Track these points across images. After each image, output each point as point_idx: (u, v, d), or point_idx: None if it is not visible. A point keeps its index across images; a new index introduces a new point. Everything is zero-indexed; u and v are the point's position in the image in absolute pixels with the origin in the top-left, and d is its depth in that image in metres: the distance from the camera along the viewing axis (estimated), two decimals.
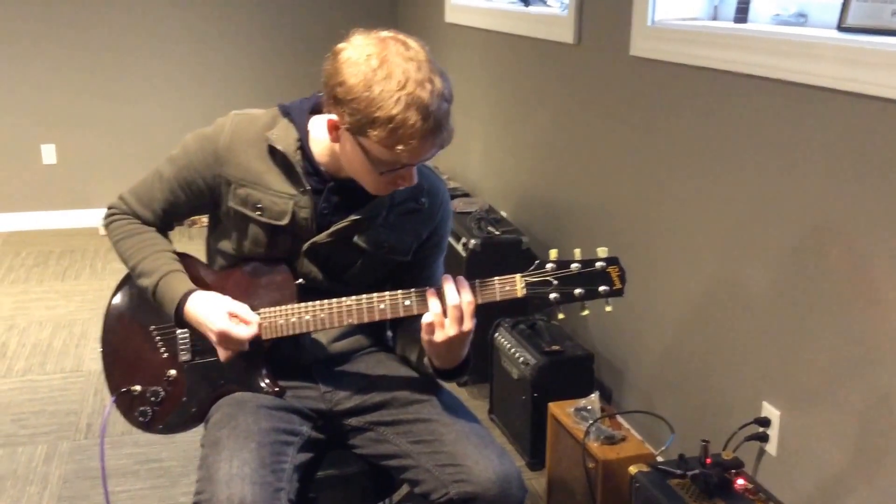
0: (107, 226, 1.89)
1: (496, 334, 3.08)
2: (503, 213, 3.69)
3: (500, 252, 3.32)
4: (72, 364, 3.57)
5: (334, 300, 1.70)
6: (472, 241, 3.28)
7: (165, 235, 1.89)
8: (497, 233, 3.38)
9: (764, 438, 2.19)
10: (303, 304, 1.72)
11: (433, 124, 1.50)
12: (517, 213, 3.75)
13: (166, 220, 1.87)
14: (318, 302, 1.71)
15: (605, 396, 3.00)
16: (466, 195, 4.11)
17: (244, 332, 1.70)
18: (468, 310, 1.60)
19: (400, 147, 1.51)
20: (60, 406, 3.22)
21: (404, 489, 1.81)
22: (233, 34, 5.44)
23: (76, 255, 4.89)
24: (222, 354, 1.75)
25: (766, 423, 2.19)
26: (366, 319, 1.69)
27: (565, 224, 3.32)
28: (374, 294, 1.68)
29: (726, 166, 2.32)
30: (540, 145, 3.54)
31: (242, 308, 1.72)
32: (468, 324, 1.61)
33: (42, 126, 5.25)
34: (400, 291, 1.66)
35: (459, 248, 3.37)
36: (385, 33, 1.55)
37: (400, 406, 1.78)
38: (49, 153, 5.29)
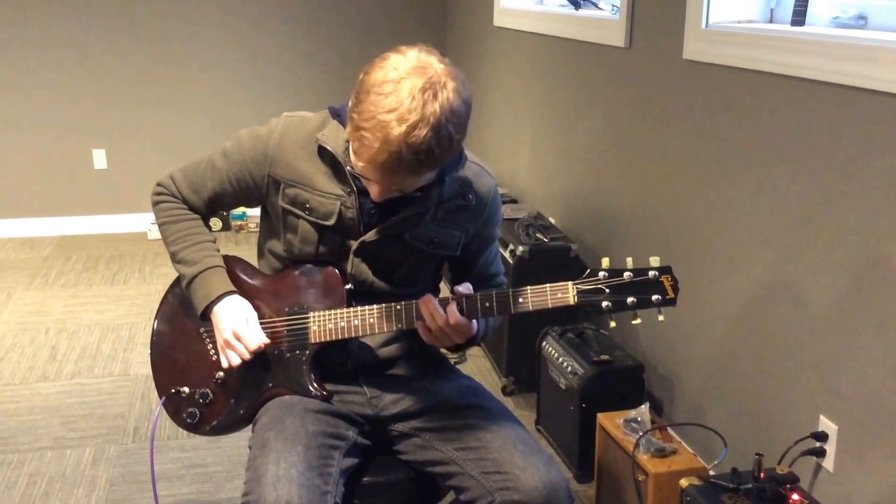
0: (155, 204, 1.92)
1: (544, 343, 3.04)
2: (552, 220, 3.65)
3: (548, 259, 3.28)
4: (120, 368, 3.59)
5: (384, 305, 1.72)
6: (521, 248, 3.25)
7: (208, 224, 1.93)
8: (545, 240, 3.34)
9: (820, 453, 2.13)
10: (352, 309, 1.75)
11: (387, 161, 1.49)
12: (566, 219, 3.71)
13: (211, 208, 1.91)
14: (367, 306, 1.73)
15: (656, 408, 2.95)
16: (514, 201, 4.07)
17: (236, 354, 1.77)
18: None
19: (356, 153, 1.55)
20: (108, 410, 3.24)
21: (450, 496, 1.79)
22: (282, 41, 5.47)
23: (125, 260, 4.95)
24: (223, 361, 1.81)
25: (822, 437, 2.12)
26: (415, 326, 1.71)
27: (615, 231, 3.27)
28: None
29: (782, 172, 2.26)
30: (590, 151, 3.50)
31: (249, 331, 1.76)
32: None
33: (93, 131, 5.32)
34: (450, 297, 1.67)
35: (507, 255, 3.34)
36: (436, 66, 1.52)
37: (446, 412, 1.77)
38: (100, 158, 5.36)
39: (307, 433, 1.64)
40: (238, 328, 1.76)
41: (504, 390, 3.39)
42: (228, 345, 1.76)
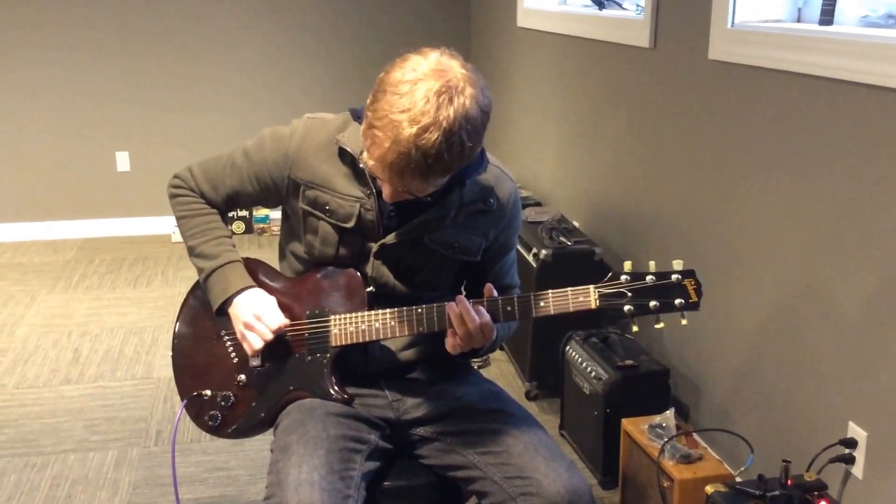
0: (172, 196, 1.92)
1: (567, 348, 3.01)
2: (575, 223, 3.62)
3: (571, 263, 3.25)
4: (142, 371, 3.60)
5: (405, 308, 1.70)
6: (544, 252, 3.22)
7: (225, 220, 1.93)
8: (569, 243, 3.31)
9: (849, 460, 2.08)
10: (373, 312, 1.74)
11: (396, 161, 1.48)
12: (590, 222, 3.68)
13: (229, 205, 1.91)
14: (388, 310, 1.72)
15: (682, 413, 2.91)
16: (538, 204, 4.05)
17: (257, 336, 1.75)
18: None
19: (367, 151, 1.54)
20: (131, 413, 3.25)
21: (472, 501, 1.77)
22: (305, 43, 5.48)
23: (148, 263, 4.96)
24: (245, 347, 1.79)
25: (851, 444, 2.08)
26: (436, 329, 1.70)
27: (640, 234, 3.23)
28: (446, 303, 1.67)
29: (810, 175, 2.22)
30: (614, 153, 3.47)
31: (270, 313, 1.76)
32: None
33: (116, 134, 5.36)
34: (473, 301, 1.66)
35: (530, 258, 3.31)
36: (456, 71, 1.50)
37: (468, 416, 1.75)
38: (123, 161, 5.39)
39: (329, 436, 1.63)
40: (258, 311, 1.75)
41: (528, 395, 3.37)
42: (249, 327, 1.75)
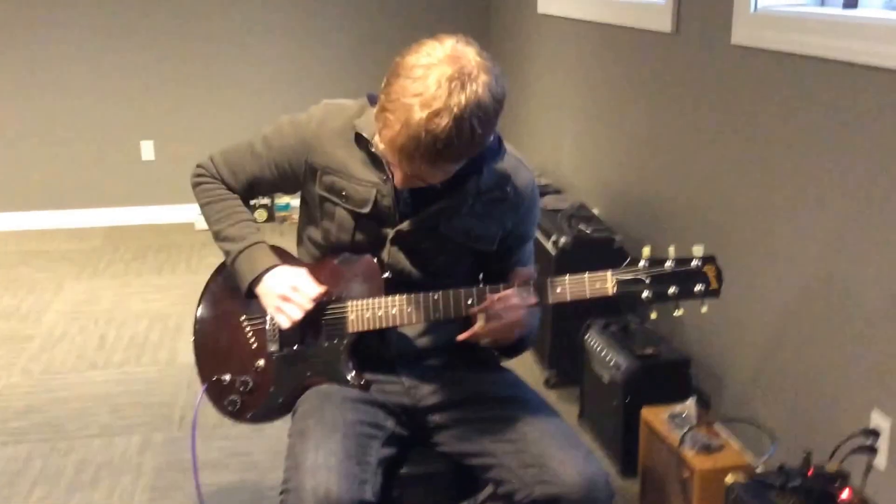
0: (195, 185, 1.94)
1: (586, 336, 3.00)
2: (595, 211, 3.60)
3: (591, 251, 3.24)
4: (167, 357, 3.63)
5: (421, 294, 1.70)
6: (563, 239, 3.21)
7: (248, 206, 1.94)
8: (588, 231, 3.30)
9: (872, 450, 2.06)
10: (390, 298, 1.74)
11: (405, 145, 1.47)
12: (610, 210, 3.66)
13: (249, 192, 1.92)
14: (405, 296, 1.72)
15: (703, 402, 2.89)
16: (558, 192, 4.03)
17: (295, 307, 1.75)
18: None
19: (378, 136, 1.55)
20: (155, 398, 3.28)
21: (489, 488, 1.77)
22: (327, 31, 5.47)
23: (173, 250, 5.00)
24: (281, 320, 1.78)
25: (875, 433, 2.06)
26: (452, 316, 1.70)
27: (660, 222, 3.21)
28: (462, 289, 1.67)
29: (833, 161, 2.20)
30: (635, 140, 3.45)
31: (306, 284, 1.76)
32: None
33: (141, 123, 5.39)
34: (488, 287, 1.65)
35: (549, 245, 3.30)
36: (471, 58, 1.49)
37: (484, 404, 1.75)
38: (148, 149, 5.43)
39: (346, 422, 1.64)
40: (294, 282, 1.76)
41: (547, 383, 3.36)
42: (285, 298, 1.75)
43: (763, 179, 2.52)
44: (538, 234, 3.49)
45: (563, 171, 4.33)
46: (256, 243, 1.85)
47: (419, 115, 1.44)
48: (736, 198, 2.68)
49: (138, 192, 5.48)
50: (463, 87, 1.45)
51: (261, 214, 5.37)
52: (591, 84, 3.92)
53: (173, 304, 4.20)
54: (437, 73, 1.45)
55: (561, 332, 3.24)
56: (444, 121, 1.44)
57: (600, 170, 3.83)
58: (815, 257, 2.30)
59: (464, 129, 1.47)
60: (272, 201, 5.43)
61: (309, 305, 1.74)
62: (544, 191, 3.97)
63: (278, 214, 5.47)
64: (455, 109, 1.45)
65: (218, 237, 1.89)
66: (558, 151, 4.40)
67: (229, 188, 1.91)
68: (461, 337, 1.70)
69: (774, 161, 2.46)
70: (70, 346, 3.73)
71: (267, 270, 1.81)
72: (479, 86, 1.47)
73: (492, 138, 1.63)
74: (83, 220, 5.47)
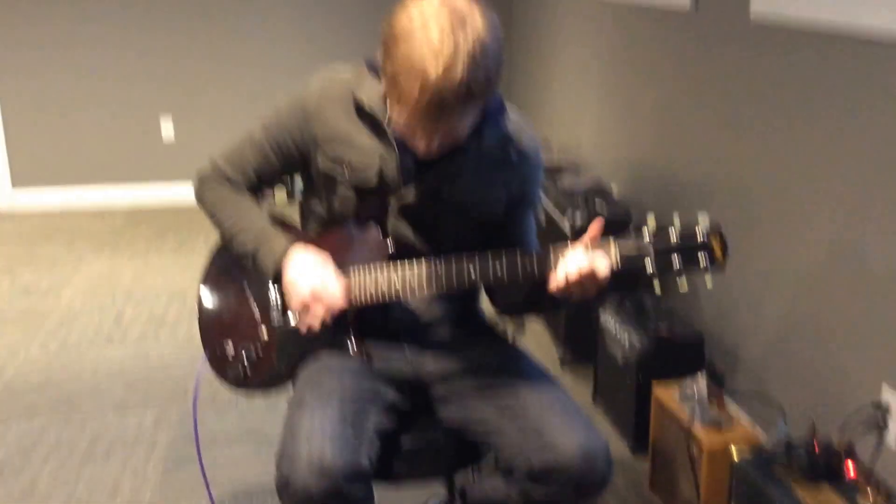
0: (198, 200, 1.88)
1: (600, 314, 2.98)
2: (614, 188, 3.57)
3: (606, 228, 3.17)
4: (184, 334, 3.66)
5: (425, 266, 1.68)
6: (578, 216, 3.18)
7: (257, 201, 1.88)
8: (604, 208, 3.26)
9: (883, 424, 2.03)
10: (394, 270, 1.71)
11: (430, 102, 1.44)
12: (629, 187, 3.63)
13: (258, 184, 1.87)
14: (408, 267, 1.69)
15: (717, 379, 2.87)
16: (577, 169, 3.99)
17: (319, 310, 1.69)
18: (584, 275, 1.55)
19: (395, 107, 1.50)
20: (171, 373, 3.30)
21: (491, 458, 1.78)
22: (348, 3, 5.45)
23: (193, 229, 5.02)
24: (301, 324, 1.73)
25: (885, 407, 2.03)
26: (455, 287, 1.67)
27: (678, 198, 3.18)
28: (465, 261, 1.64)
29: (849, 135, 2.16)
30: (653, 117, 3.41)
31: (330, 284, 1.69)
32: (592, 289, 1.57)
33: (160, 100, 5.41)
34: (491, 258, 1.62)
35: (564, 224, 3.28)
36: (460, 1, 1.47)
37: (485, 374, 1.74)
38: (167, 128, 5.45)
39: (343, 390, 1.64)
40: (317, 286, 1.68)
41: (561, 362, 3.35)
42: (306, 306, 1.69)
43: (782, 157, 2.49)
44: (553, 213, 3.47)
45: (583, 150, 4.30)
46: (269, 233, 1.77)
47: (435, 71, 1.41)
48: (754, 175, 2.64)
49: (159, 170, 5.50)
50: (463, 26, 1.43)
51: (280, 193, 5.38)
52: (611, 62, 3.88)
53: (192, 282, 4.21)
54: (436, 25, 1.42)
55: (576, 310, 3.22)
56: (458, 69, 1.42)
57: (620, 147, 3.80)
58: (828, 233, 2.27)
59: (479, 71, 1.44)
60: (291, 180, 5.43)
61: (326, 318, 1.70)
62: (561, 167, 3.95)
63: (298, 194, 5.48)
64: (464, 50, 1.42)
65: (233, 237, 1.80)
66: (579, 130, 4.36)
67: (236, 186, 1.84)
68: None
69: (793, 138, 2.42)
70: (88, 322, 3.77)
71: (286, 259, 1.72)
72: (476, 17, 1.45)
73: (495, 98, 1.60)
74: (105, 199, 5.52)
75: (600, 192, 3.42)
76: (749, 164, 2.66)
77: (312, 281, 1.68)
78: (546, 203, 3.58)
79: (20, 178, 5.43)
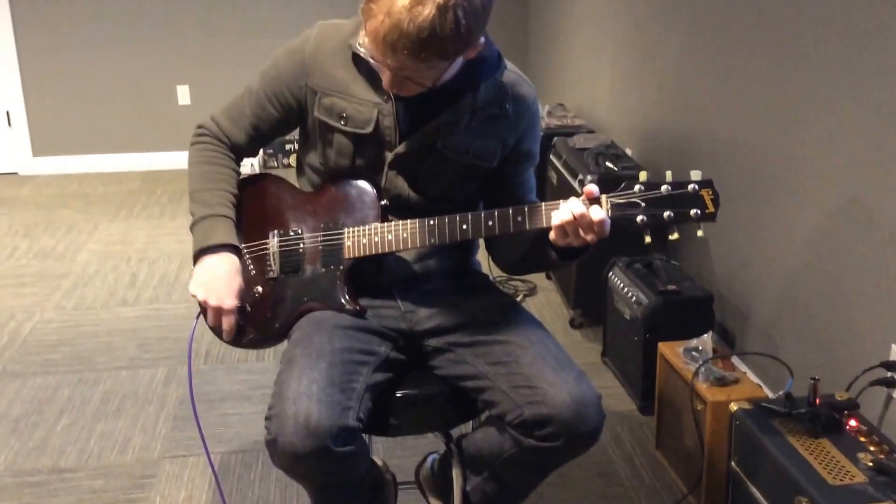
0: (192, 144, 1.90)
1: (610, 273, 2.97)
2: (628, 151, 3.53)
3: (617, 187, 3.17)
4: None
5: (417, 220, 1.68)
6: (589, 177, 3.16)
7: (238, 171, 1.89)
8: (616, 168, 3.24)
9: (891, 383, 2.01)
10: (387, 224, 1.72)
11: (388, 34, 1.43)
12: (643, 149, 3.59)
13: (255, 138, 1.87)
14: (402, 222, 1.69)
15: (728, 339, 2.85)
16: (591, 132, 3.95)
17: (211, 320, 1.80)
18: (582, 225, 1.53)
19: (365, 39, 1.52)
20: (182, 333, 3.33)
21: (485, 412, 1.76)
22: None
23: None
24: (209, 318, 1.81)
25: (893, 366, 2.00)
26: (447, 240, 1.67)
27: (690, 158, 3.14)
28: (458, 215, 1.64)
29: (859, 89, 2.12)
30: (668, 79, 3.37)
31: (228, 299, 1.76)
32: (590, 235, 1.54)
33: (177, 68, 5.43)
34: (483, 212, 1.62)
35: (575, 184, 3.25)
36: None
37: (479, 327, 1.73)
38: (184, 94, 5.46)
39: (332, 349, 1.63)
40: (214, 292, 1.77)
41: (572, 323, 3.34)
42: (205, 304, 1.79)
43: (792, 114, 2.46)
44: (565, 173, 3.44)
45: (599, 112, 4.26)
46: (222, 216, 1.80)
47: (402, 2, 1.41)
48: (765, 134, 2.61)
49: (175, 136, 5.52)
50: None
51: (294, 159, 5.38)
52: (626, 22, 3.84)
53: None
54: None
55: (586, 271, 3.20)
56: (426, 9, 1.41)
57: (635, 110, 3.76)
58: (838, 190, 2.24)
59: (448, 19, 1.42)
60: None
61: (217, 324, 1.80)
62: (575, 130, 3.91)
63: None
64: None
65: (192, 197, 1.84)
66: (594, 92, 4.32)
67: (232, 142, 1.86)
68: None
69: (805, 95, 2.39)
70: (102, 284, 3.81)
71: (216, 249, 1.78)
72: None
73: (484, 42, 1.58)
74: (121, 165, 5.56)
75: (613, 153, 3.38)
76: (759, 122, 2.62)
77: (208, 287, 1.77)
78: (559, 164, 3.55)
79: (40, 146, 5.49)
